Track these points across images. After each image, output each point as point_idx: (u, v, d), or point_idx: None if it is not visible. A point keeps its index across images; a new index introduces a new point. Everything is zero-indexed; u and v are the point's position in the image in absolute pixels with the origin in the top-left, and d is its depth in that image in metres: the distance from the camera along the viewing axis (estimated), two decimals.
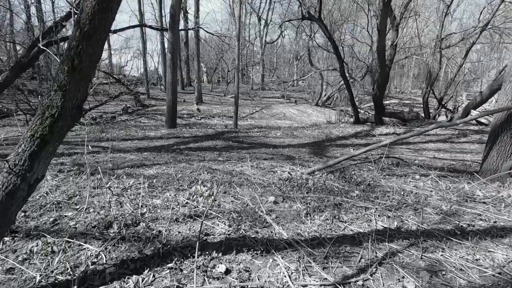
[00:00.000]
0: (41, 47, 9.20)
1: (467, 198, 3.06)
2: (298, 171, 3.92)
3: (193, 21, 20.08)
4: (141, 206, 2.66)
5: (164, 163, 4.33)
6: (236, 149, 5.94)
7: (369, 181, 3.58)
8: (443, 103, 10.34)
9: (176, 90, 8.51)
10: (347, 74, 16.22)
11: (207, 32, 13.35)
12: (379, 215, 2.62)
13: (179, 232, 2.22)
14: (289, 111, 19.95)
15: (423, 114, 10.79)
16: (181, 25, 22.44)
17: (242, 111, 17.66)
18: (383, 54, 8.35)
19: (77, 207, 2.64)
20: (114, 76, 20.10)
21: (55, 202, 2.70)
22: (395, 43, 8.71)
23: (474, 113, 8.37)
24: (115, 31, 10.67)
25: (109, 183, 3.25)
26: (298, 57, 29.30)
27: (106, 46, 33.86)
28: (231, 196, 3.03)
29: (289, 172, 3.82)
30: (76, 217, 2.42)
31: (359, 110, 16.46)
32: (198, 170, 3.89)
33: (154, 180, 3.35)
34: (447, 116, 10.58)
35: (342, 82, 19.82)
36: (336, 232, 2.30)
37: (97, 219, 2.35)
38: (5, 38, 11.52)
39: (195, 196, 2.95)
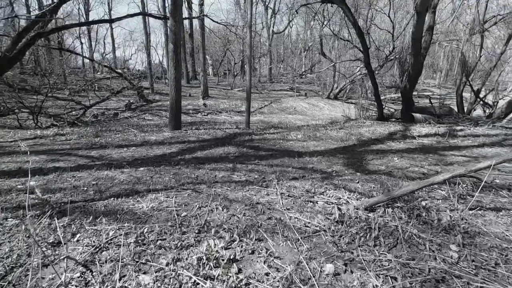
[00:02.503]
0: (29, 39, 8.08)
1: None
2: (350, 203, 2.75)
3: (198, 10, 18.69)
4: None
5: (162, 188, 3.20)
6: (253, 159, 4.78)
7: (458, 222, 2.40)
8: (481, 96, 8.98)
9: (180, 86, 7.33)
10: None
11: (213, 20, 12.07)
12: None
13: None
14: (300, 104, 18.66)
15: (456, 109, 9.45)
16: (185, 13, 21.07)
17: (251, 106, 16.46)
18: (420, 40, 7.04)
19: None
20: (117, 70, 18.96)
21: None
22: (431, 27, 7.36)
23: None
24: (112, 20, 9.47)
25: (77, 237, 2.13)
26: (307, 48, 27.73)
27: (109, 39, 32.64)
28: (263, 261, 1.89)
29: (338, 206, 2.65)
30: None
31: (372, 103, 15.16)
32: (209, 203, 2.75)
33: (146, 229, 2.22)
34: (484, 112, 9.23)
35: (356, 73, 18.40)
36: None
37: None
38: None
39: (207, 264, 1.81)
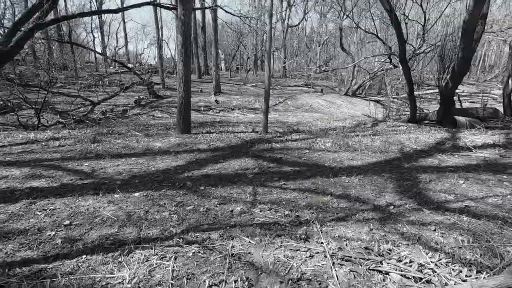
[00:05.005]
0: (26, 31, 7.23)
1: None
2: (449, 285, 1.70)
3: (211, 0, 17.57)
4: None
5: (158, 236, 2.22)
6: (276, 178, 3.76)
7: None
8: None
9: (189, 85, 6.33)
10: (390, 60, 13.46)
11: (226, 11, 10.95)
12: None
13: None
14: (316, 101, 17.44)
15: (502, 110, 8.14)
16: (197, 4, 19.98)
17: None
18: (472, 31, 5.79)
19: None
20: (127, 65, 18.15)
21: None
22: (484, 15, 6.07)
23: None
24: (117, 10, 8.53)
25: None
26: (323, 42, 26.23)
27: (122, 33, 31.92)
28: None
29: None
30: None
31: (392, 102, 13.81)
32: (225, 276, 1.75)
33: None
34: None
35: (378, 68, 16.98)
36: None
37: None
38: None
39: None
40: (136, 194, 3.15)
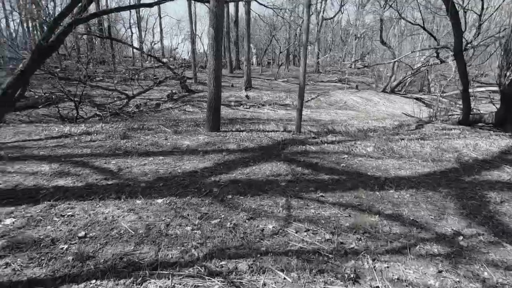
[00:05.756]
0: (66, 26, 7.34)
1: None
2: None
3: None
4: None
5: (177, 260, 1.88)
6: (313, 188, 3.31)
7: None
8: None
9: (219, 81, 6.01)
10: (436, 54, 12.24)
11: (260, 3, 10.48)
12: None
13: None
14: (351, 98, 16.45)
15: None
16: None
17: (296, 98, 14.82)
18: None
19: None
20: (161, 60, 18.41)
21: None
22: None
23: None
24: (151, 4, 8.43)
25: None
26: (360, 35, 24.76)
27: (158, 28, 32.69)
28: None
29: None
30: None
31: (438, 99, 12.55)
32: None
33: None
34: None
35: (421, 64, 15.54)
36: None
37: None
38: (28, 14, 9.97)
39: None
40: (159, 200, 2.87)
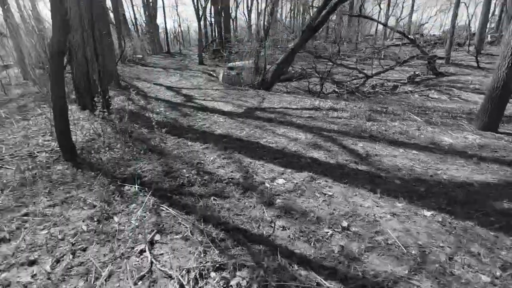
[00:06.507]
0: (331, 6, 7.76)
1: None
2: None
3: None
4: None
5: None
6: None
7: None
8: None
9: None
10: None
11: None
12: None
13: None
14: None
15: None
16: None
17: None
18: None
19: None
20: (409, 36, 16.25)
21: None
22: None
23: None
24: None
25: None
26: None
27: (409, 2, 29.10)
28: None
29: None
30: None
31: None
32: None
33: None
34: None
35: None
36: None
37: None
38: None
39: None
40: (427, 213, 2.22)
